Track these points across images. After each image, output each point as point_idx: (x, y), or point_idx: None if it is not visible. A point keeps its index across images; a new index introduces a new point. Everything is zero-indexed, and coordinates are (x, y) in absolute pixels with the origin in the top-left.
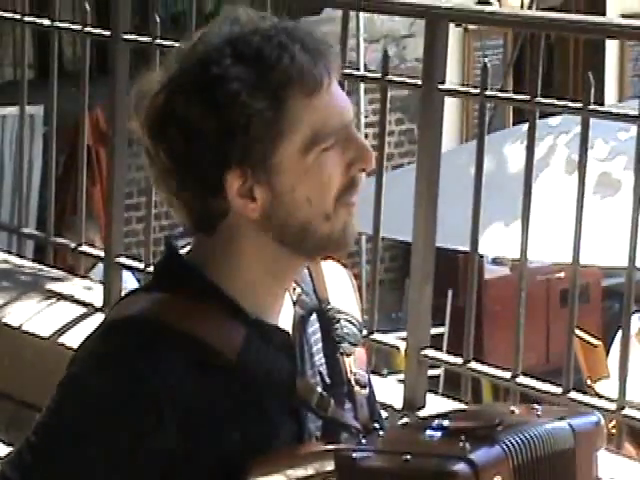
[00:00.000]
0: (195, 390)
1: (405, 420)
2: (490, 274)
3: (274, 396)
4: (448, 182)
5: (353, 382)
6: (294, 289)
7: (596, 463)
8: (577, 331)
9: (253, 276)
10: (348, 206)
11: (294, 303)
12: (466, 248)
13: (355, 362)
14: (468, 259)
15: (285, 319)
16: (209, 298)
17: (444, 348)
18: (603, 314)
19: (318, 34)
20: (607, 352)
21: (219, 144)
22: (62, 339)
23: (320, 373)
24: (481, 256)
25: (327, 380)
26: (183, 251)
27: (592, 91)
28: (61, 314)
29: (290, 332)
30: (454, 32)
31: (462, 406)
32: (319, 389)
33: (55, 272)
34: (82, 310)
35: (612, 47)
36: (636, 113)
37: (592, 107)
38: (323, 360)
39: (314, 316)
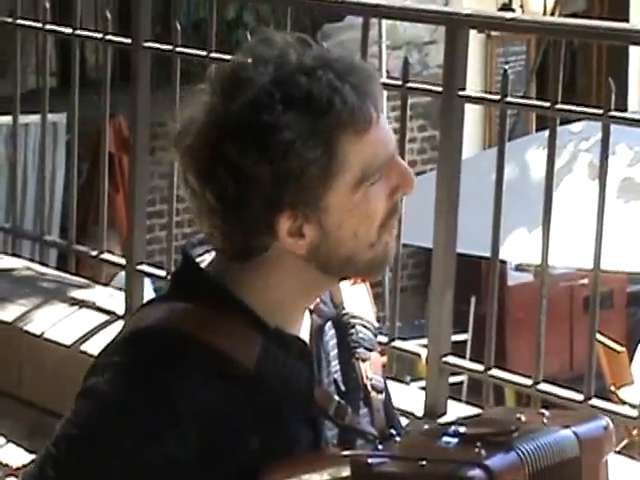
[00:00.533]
0: (214, 400)
1: (424, 427)
2: (513, 281)
3: (292, 405)
4: (471, 188)
5: (369, 387)
6: None
7: (605, 469)
8: (601, 337)
9: (282, 296)
10: (391, 229)
11: (311, 312)
12: (488, 254)
13: (371, 367)
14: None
15: (303, 328)
16: (227, 308)
17: (467, 355)
18: (627, 320)
19: (359, 63)
20: (631, 358)
21: (272, 191)
22: (84, 347)
23: (335, 380)
24: (504, 262)
25: (342, 387)
26: (200, 259)
27: (613, 97)
28: (83, 322)
29: (308, 341)
30: (476, 38)
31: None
32: (336, 397)
33: (77, 280)
34: (104, 318)
35: (636, 53)
36: None
37: (613, 113)
38: (338, 367)
39: (329, 323)
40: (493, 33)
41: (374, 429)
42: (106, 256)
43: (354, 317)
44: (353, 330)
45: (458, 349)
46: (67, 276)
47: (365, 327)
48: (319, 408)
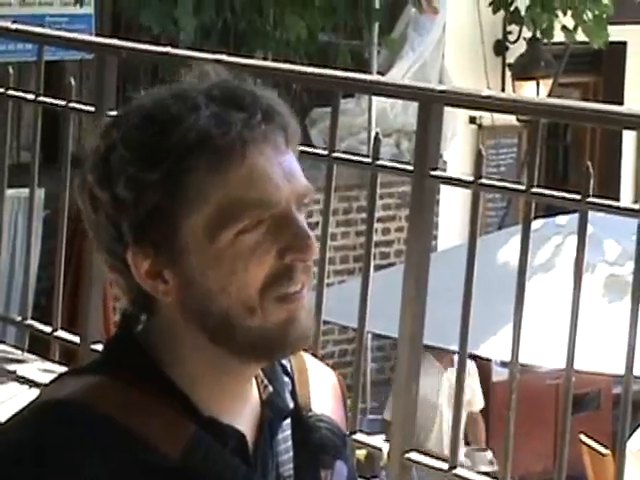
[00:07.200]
0: None
1: None
2: (498, 377)
3: None
4: (454, 279)
5: None
6: (265, 387)
7: None
8: (586, 439)
9: (197, 369)
10: (283, 299)
11: (263, 403)
12: (474, 351)
13: (333, 476)
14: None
15: (249, 420)
16: (156, 389)
17: None
18: (614, 422)
19: (269, 100)
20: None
21: (113, 219)
22: None
23: None
24: (489, 360)
25: None
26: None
27: (591, 182)
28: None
29: (247, 434)
30: (468, 129)
31: None
32: None
33: (29, 357)
34: None
35: (629, 144)
36: (636, 207)
37: (590, 200)
38: (292, 472)
39: (287, 421)
40: (484, 124)
41: None
42: (60, 334)
43: (321, 420)
44: (318, 434)
45: None
46: (19, 353)
47: (332, 432)
48: None
